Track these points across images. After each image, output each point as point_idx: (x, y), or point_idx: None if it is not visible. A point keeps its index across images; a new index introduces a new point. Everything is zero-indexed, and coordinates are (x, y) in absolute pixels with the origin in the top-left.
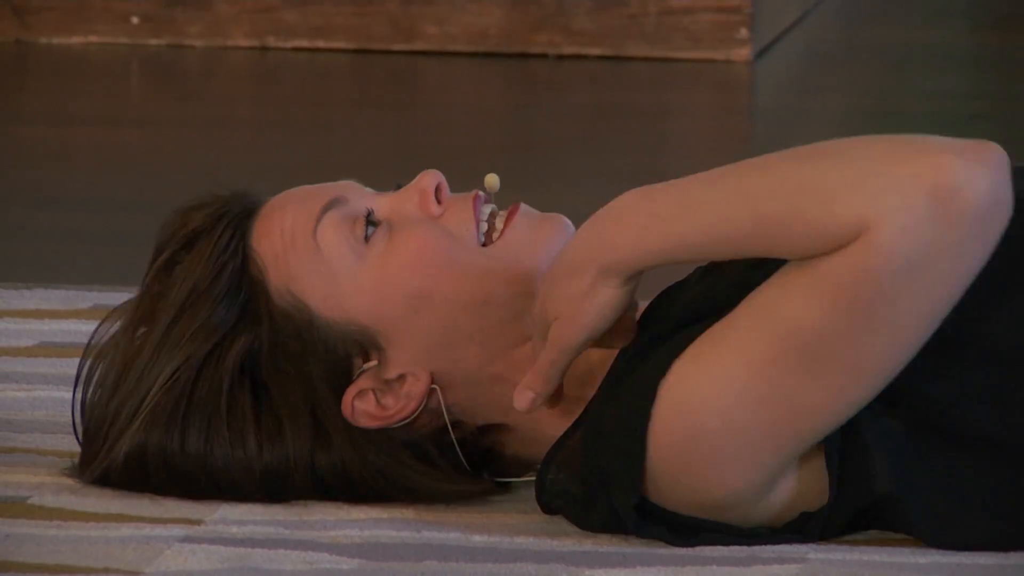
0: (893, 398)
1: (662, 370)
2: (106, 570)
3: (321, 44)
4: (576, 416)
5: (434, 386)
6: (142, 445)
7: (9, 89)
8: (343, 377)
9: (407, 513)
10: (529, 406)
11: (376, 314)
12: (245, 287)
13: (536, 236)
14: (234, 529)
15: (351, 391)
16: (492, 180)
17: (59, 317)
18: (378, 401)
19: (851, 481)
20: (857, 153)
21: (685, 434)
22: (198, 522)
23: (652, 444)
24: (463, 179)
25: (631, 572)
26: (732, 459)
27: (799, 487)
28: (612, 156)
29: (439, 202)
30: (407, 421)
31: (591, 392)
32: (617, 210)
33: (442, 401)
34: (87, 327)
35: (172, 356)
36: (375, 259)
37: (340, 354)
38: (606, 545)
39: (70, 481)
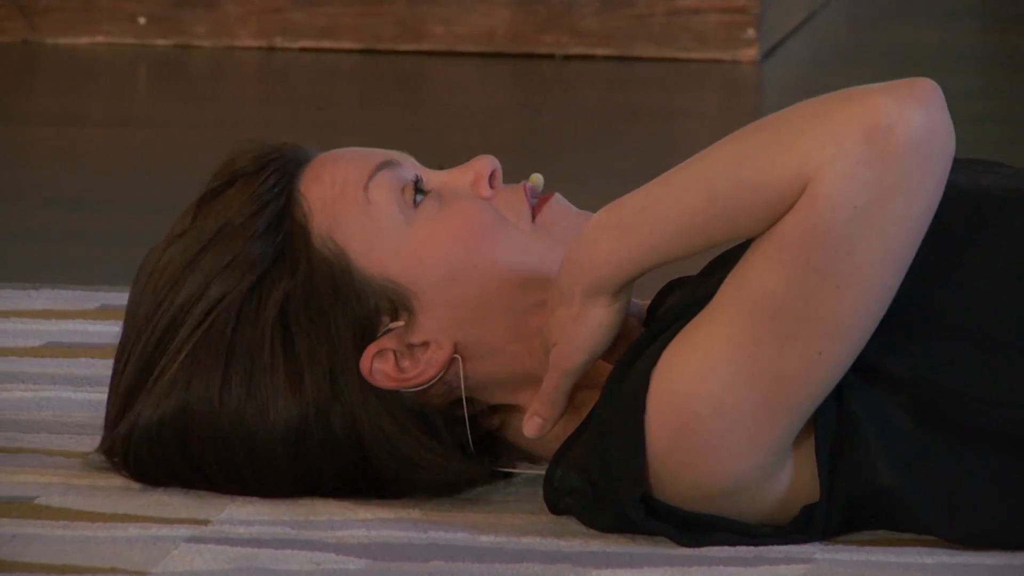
0: (900, 387)
1: (654, 361)
2: (113, 570)
3: (328, 44)
4: (584, 415)
5: (456, 356)
6: (183, 402)
7: (16, 89)
8: (368, 333)
9: (414, 513)
10: (538, 432)
11: (414, 276)
12: (285, 228)
13: (572, 224)
14: (241, 529)
15: (372, 348)
16: (537, 179)
17: (66, 317)
18: (397, 363)
19: (847, 474)
20: (792, 115)
21: (678, 423)
22: (205, 522)
23: (649, 437)
24: None
25: (638, 572)
26: (729, 443)
27: (796, 476)
28: (619, 156)
29: (491, 187)
30: (422, 387)
31: (598, 393)
32: (590, 231)
33: (461, 372)
34: (94, 327)
35: (202, 286)
36: (423, 223)
37: (370, 309)
38: (613, 546)
39: (77, 481)
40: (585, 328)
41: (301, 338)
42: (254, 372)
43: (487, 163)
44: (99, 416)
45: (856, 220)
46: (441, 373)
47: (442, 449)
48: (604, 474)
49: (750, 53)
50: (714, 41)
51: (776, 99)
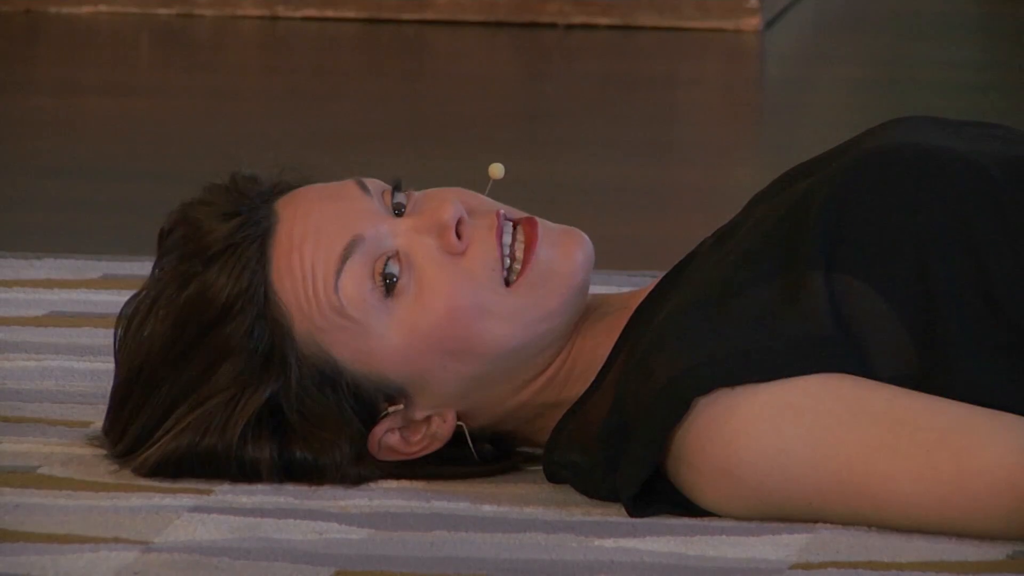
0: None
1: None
2: (115, 539)
3: (331, 14)
4: (574, 398)
5: (460, 424)
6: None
7: (19, 59)
8: (369, 416)
9: (416, 483)
10: None
11: (406, 371)
12: (268, 333)
13: (557, 268)
14: (243, 499)
15: (377, 432)
16: (496, 169)
17: (69, 287)
18: (403, 437)
19: None
20: None
21: (725, 466)
22: (207, 492)
23: (687, 447)
24: (473, 148)
25: (640, 542)
26: (767, 485)
27: None
28: (621, 125)
29: (460, 236)
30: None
31: (585, 383)
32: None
33: (467, 433)
34: (97, 297)
35: (194, 397)
36: (403, 317)
37: (366, 400)
38: (615, 516)
39: (79, 450)
40: None
41: (307, 430)
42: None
43: (450, 213)
44: (102, 385)
45: None
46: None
47: (455, 467)
48: (610, 459)
49: (753, 22)
50: (716, 10)
51: (778, 68)
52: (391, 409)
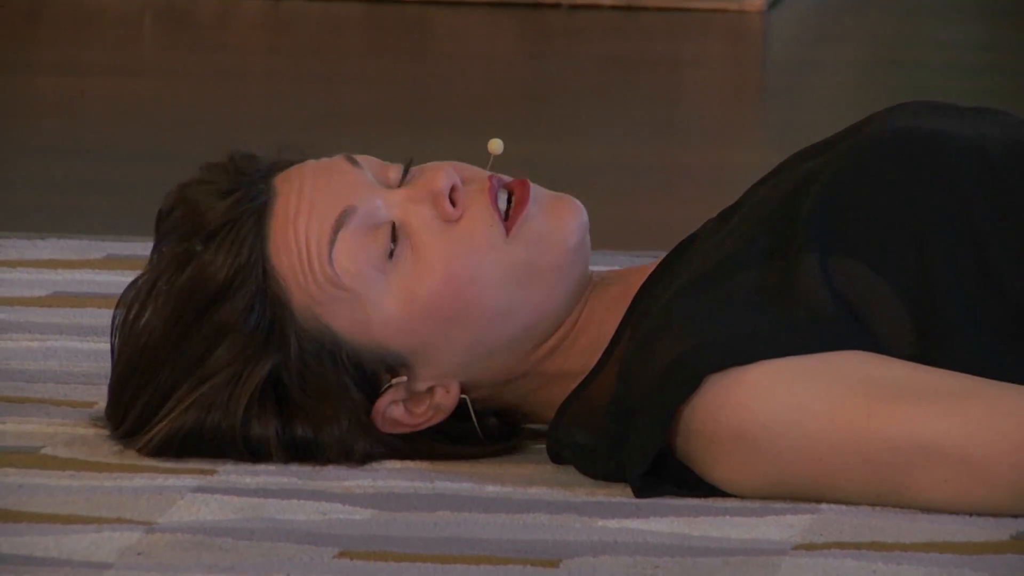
0: None
1: (704, 357)
2: (119, 520)
3: None
4: (580, 376)
5: (464, 396)
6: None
7: (23, 39)
8: (372, 388)
9: (420, 464)
10: None
11: (405, 339)
12: (269, 309)
13: (551, 226)
14: (247, 479)
15: (381, 404)
16: (496, 145)
17: (72, 267)
18: (407, 409)
19: None
20: None
21: (738, 431)
22: (211, 472)
23: (696, 422)
24: (476, 129)
25: (644, 522)
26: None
27: None
28: (625, 106)
29: (454, 202)
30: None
31: (593, 358)
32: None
33: (471, 407)
34: (100, 277)
35: (196, 377)
36: (400, 284)
37: (368, 372)
38: (619, 496)
39: (83, 431)
40: None
41: (307, 404)
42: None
43: (443, 180)
44: (105, 366)
45: None
46: (451, 411)
47: (460, 446)
48: (615, 439)
49: (756, 2)
50: None
51: (781, 48)
52: (394, 381)
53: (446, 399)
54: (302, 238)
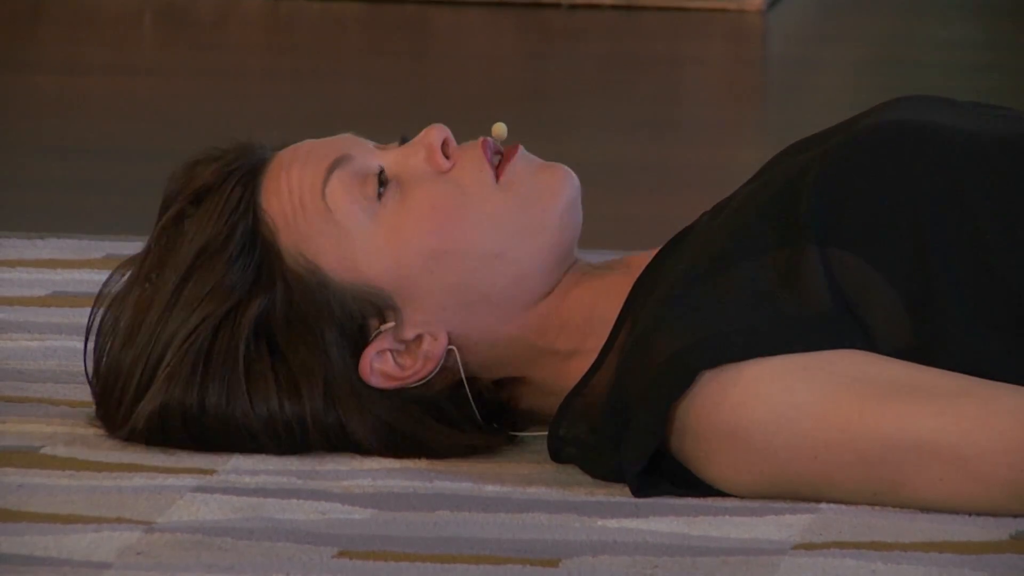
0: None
1: (702, 352)
2: (119, 519)
3: None
4: (582, 370)
5: (451, 347)
6: (163, 405)
7: (22, 38)
8: (359, 338)
9: (420, 463)
10: None
11: (391, 276)
12: (258, 248)
13: (542, 185)
14: (247, 479)
15: (369, 352)
16: (500, 128)
17: (72, 267)
18: (396, 361)
19: None
20: None
21: (731, 430)
22: (210, 472)
23: (689, 417)
24: (475, 129)
25: (644, 522)
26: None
27: None
28: (625, 105)
29: (447, 156)
30: (424, 381)
31: (598, 342)
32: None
33: (459, 360)
34: (100, 277)
35: (187, 316)
36: (388, 220)
37: (355, 316)
38: (619, 495)
39: (83, 431)
40: None
41: (290, 351)
42: (230, 381)
43: (436, 133)
44: None
45: None
46: (440, 363)
47: (452, 429)
48: (613, 437)
49: (756, 2)
50: None
51: (781, 47)
52: (382, 327)
53: (434, 347)
54: (295, 182)
